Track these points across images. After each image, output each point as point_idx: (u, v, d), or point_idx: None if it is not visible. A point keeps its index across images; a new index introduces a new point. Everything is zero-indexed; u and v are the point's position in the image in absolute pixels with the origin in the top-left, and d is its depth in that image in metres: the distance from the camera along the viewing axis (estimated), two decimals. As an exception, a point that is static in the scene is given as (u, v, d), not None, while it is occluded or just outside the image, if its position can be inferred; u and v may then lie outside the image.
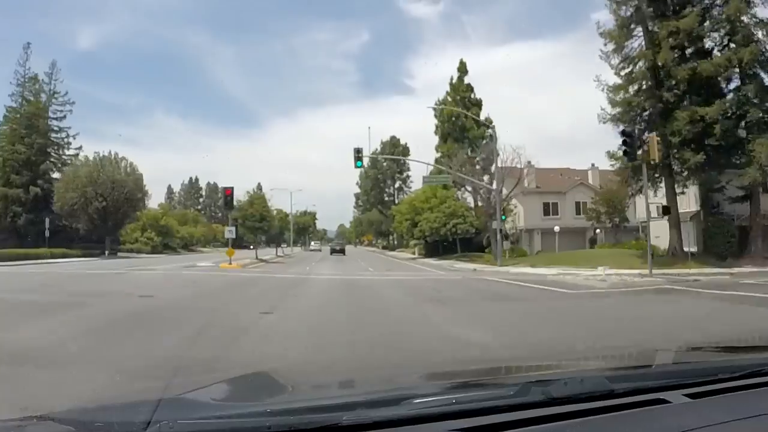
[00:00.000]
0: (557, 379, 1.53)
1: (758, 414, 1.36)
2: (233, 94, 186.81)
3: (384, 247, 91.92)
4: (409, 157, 72.24)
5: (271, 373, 2.14)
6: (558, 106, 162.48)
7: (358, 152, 28.35)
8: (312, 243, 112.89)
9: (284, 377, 2.10)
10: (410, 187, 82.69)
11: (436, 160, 48.54)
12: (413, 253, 56.17)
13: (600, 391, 1.45)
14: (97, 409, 1.40)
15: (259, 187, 72.71)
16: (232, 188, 32.09)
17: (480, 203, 41.45)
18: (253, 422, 1.25)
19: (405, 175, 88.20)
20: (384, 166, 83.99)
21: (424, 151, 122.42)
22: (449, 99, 52.00)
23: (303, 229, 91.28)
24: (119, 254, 49.28)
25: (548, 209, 47.63)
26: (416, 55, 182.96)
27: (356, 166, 29.75)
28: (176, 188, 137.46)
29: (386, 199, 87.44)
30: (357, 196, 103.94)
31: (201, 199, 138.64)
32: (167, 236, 65.21)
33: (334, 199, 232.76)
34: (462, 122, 51.13)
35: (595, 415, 1.34)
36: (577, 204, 47.17)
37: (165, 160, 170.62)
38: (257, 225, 41.66)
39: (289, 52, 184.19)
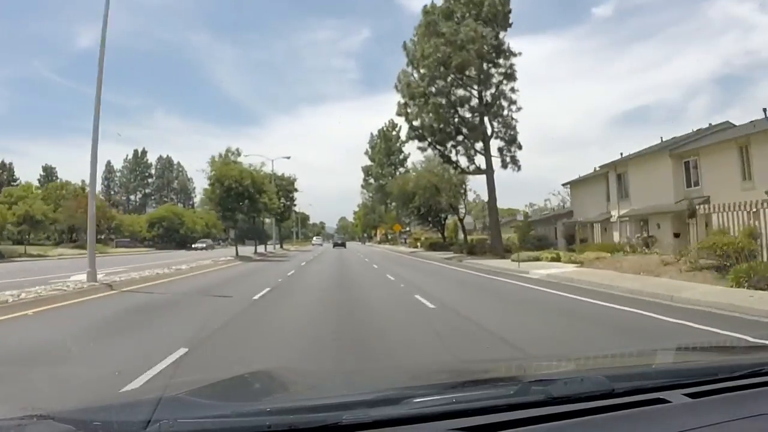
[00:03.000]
0: (557, 379, 1.53)
1: (758, 414, 1.36)
2: (233, 93, 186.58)
3: (434, 246, 46.09)
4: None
5: (271, 373, 2.14)
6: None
7: None
8: (314, 238, 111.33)
9: (284, 377, 2.09)
10: (516, 93, 32.55)
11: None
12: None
13: (600, 390, 1.45)
14: (97, 409, 1.40)
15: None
16: None
17: None
18: (253, 422, 1.25)
19: (509, 63, 32.27)
20: (461, 31, 30.33)
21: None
22: None
23: (250, 198, 39.70)
24: None
25: None
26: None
27: None
28: (118, 165, 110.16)
29: (458, 125, 33.02)
30: (366, 170, 57.62)
31: (150, 180, 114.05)
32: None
33: (336, 200, 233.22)
34: None
35: (595, 414, 1.34)
36: None
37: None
38: None
39: (290, 51, 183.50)
